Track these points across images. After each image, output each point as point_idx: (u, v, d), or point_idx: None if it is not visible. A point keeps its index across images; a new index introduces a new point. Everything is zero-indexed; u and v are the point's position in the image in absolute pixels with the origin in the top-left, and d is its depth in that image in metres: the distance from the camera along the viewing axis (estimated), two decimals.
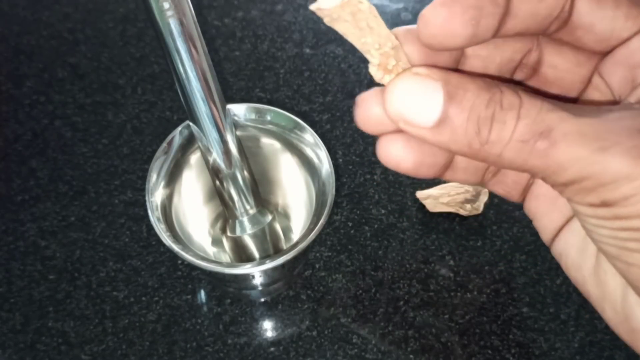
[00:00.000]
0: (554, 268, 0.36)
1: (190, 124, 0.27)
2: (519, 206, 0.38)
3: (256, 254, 0.33)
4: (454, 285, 0.35)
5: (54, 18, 0.48)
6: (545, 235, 0.21)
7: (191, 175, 0.32)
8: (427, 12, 0.16)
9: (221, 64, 0.45)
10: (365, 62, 0.45)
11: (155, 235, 0.31)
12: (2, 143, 0.41)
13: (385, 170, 0.40)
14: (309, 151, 0.31)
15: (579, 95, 0.20)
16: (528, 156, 0.16)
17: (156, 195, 0.30)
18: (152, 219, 0.29)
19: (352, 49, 0.46)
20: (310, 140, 0.31)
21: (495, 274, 0.36)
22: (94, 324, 0.34)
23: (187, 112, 0.26)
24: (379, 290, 0.35)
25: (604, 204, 0.16)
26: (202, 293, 0.35)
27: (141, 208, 0.38)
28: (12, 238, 0.37)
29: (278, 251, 0.33)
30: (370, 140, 0.41)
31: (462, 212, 0.38)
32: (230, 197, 0.30)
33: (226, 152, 0.28)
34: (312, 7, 0.16)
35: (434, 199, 0.38)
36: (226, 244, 0.33)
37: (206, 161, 0.29)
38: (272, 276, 0.34)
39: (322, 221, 0.28)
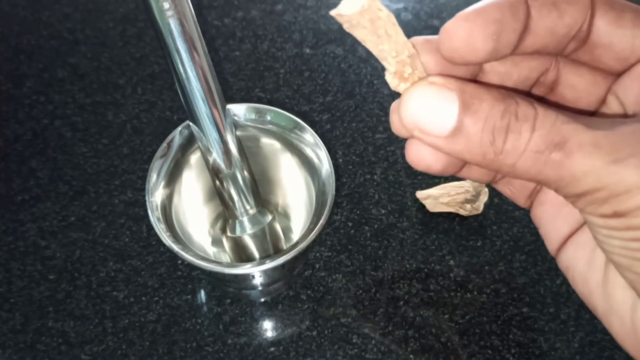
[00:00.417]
0: (554, 268, 0.36)
1: (190, 124, 0.27)
2: (519, 206, 0.38)
3: (256, 254, 0.33)
4: (454, 285, 0.35)
5: (54, 18, 0.48)
6: (551, 244, 0.21)
7: (191, 175, 0.32)
8: (450, 26, 0.16)
9: (221, 64, 0.45)
10: (365, 62, 0.45)
11: (155, 235, 0.31)
12: (2, 143, 0.41)
13: (385, 170, 0.40)
14: (309, 151, 0.31)
15: (593, 113, 0.20)
16: (542, 167, 0.16)
17: (156, 195, 0.30)
18: (152, 219, 0.29)
19: (352, 49, 0.46)
20: (310, 140, 0.31)
21: (495, 274, 0.36)
22: (94, 324, 0.34)
23: (187, 112, 0.26)
24: (379, 290, 0.35)
25: (616, 215, 0.16)
26: (202, 293, 0.35)
27: (141, 208, 0.38)
28: (12, 238, 0.37)
29: (278, 251, 0.33)
30: (370, 140, 0.41)
31: (462, 212, 0.38)
32: (230, 197, 0.30)
33: (226, 152, 0.28)
34: (333, 12, 0.16)
35: (434, 199, 0.38)
36: (226, 244, 0.33)
37: (206, 161, 0.29)
38: (272, 276, 0.34)
39: (322, 221, 0.28)
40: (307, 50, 0.46)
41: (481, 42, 0.16)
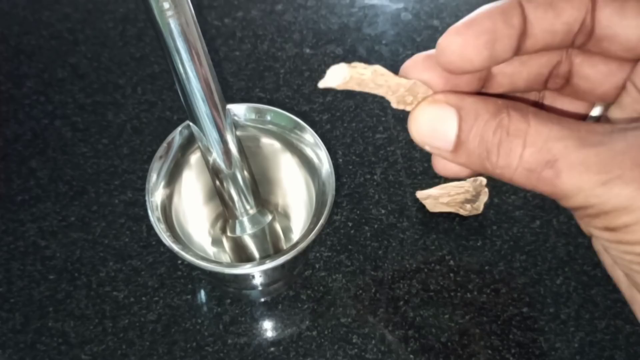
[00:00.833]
0: (554, 268, 0.36)
1: (190, 124, 0.27)
2: (519, 206, 0.39)
3: (256, 254, 0.33)
4: (454, 285, 0.35)
5: (54, 18, 0.48)
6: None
7: (191, 175, 0.32)
8: (442, 41, 0.17)
9: (221, 64, 0.45)
10: (365, 62, 0.45)
11: (155, 235, 0.31)
12: (2, 143, 0.41)
13: (385, 170, 0.40)
14: (309, 151, 0.31)
15: (614, 100, 0.20)
16: (536, 183, 0.17)
17: (156, 195, 0.30)
18: (152, 219, 0.29)
19: (352, 49, 0.46)
20: (310, 140, 0.31)
21: (495, 274, 0.36)
22: (94, 324, 0.34)
23: (187, 112, 0.26)
24: (379, 290, 0.35)
25: (608, 229, 0.17)
26: (202, 293, 0.35)
27: (141, 208, 0.38)
28: (12, 238, 0.37)
29: (278, 251, 0.33)
30: (370, 140, 0.41)
31: (462, 212, 0.38)
32: (230, 197, 0.30)
33: (226, 152, 0.28)
34: (320, 85, 0.17)
35: (434, 199, 0.38)
36: (226, 244, 0.33)
37: (206, 161, 0.29)
38: (272, 276, 0.34)
39: (322, 221, 0.28)
40: (307, 50, 0.46)
41: (474, 53, 0.17)
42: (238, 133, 0.30)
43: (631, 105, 0.19)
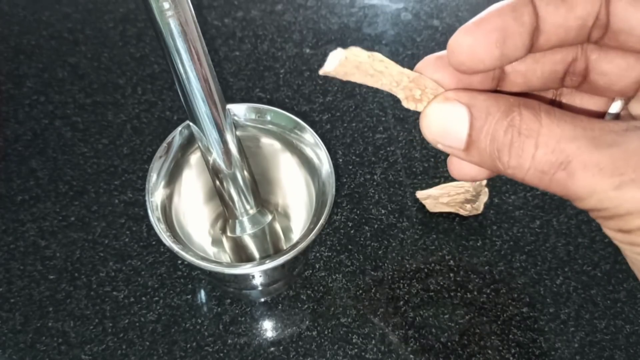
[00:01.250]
0: (554, 268, 0.36)
1: (190, 124, 0.27)
2: (519, 206, 0.39)
3: (256, 254, 0.33)
4: (454, 285, 0.35)
5: (54, 18, 0.48)
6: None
7: (191, 175, 0.32)
8: (453, 41, 0.17)
9: (221, 64, 0.45)
10: None
11: (155, 235, 0.31)
12: (2, 143, 0.41)
13: (385, 170, 0.40)
14: (309, 151, 0.31)
15: (634, 94, 0.20)
16: (549, 184, 0.16)
17: (156, 195, 0.30)
18: (152, 219, 0.29)
19: None
20: (310, 140, 0.31)
21: (495, 274, 0.36)
22: (94, 324, 0.34)
23: (187, 112, 0.26)
24: (379, 290, 0.35)
25: (622, 231, 0.17)
26: (202, 293, 0.35)
27: (141, 208, 0.38)
28: (12, 238, 0.37)
29: (278, 251, 0.33)
30: (370, 140, 0.41)
31: (462, 212, 0.38)
32: (230, 197, 0.30)
33: (226, 152, 0.28)
34: (321, 72, 0.18)
35: (434, 199, 0.38)
36: (226, 244, 0.33)
37: (206, 161, 0.29)
38: (272, 276, 0.34)
39: (322, 221, 0.28)
40: (307, 50, 0.46)
41: (485, 52, 0.17)
42: (238, 133, 0.30)
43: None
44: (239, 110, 0.32)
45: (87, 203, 0.38)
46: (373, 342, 0.33)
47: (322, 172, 0.30)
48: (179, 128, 0.31)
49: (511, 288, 0.35)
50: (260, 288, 0.35)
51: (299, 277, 0.36)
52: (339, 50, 0.17)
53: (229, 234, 0.32)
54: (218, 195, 0.31)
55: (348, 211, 0.38)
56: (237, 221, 0.31)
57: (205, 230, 0.35)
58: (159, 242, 0.36)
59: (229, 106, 0.29)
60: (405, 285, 0.35)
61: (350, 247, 0.37)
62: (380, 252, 0.37)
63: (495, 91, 0.20)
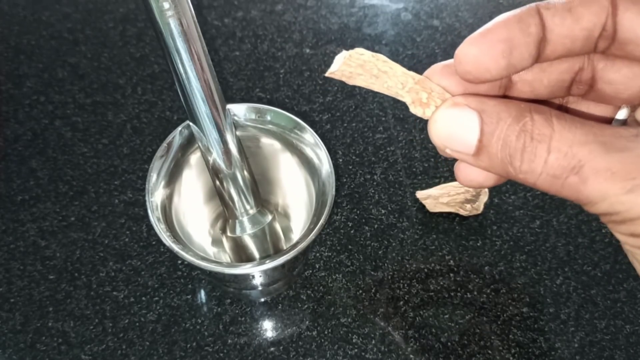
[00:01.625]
0: (554, 268, 0.36)
1: (190, 124, 0.27)
2: (519, 206, 0.39)
3: (256, 254, 0.33)
4: (454, 285, 0.35)
5: (54, 18, 0.48)
6: None
7: (191, 175, 0.32)
8: (459, 51, 0.17)
9: (221, 64, 0.45)
10: None
11: (155, 235, 0.31)
12: (2, 143, 0.41)
13: (385, 170, 0.40)
14: (309, 151, 0.31)
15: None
16: (560, 188, 0.17)
17: (156, 195, 0.30)
18: (152, 219, 0.29)
19: (352, 49, 0.46)
20: (310, 140, 0.31)
21: (495, 274, 0.36)
22: (94, 324, 0.34)
23: (187, 112, 0.26)
24: (379, 290, 0.35)
25: (633, 236, 0.17)
26: (202, 293, 0.35)
27: (141, 208, 0.38)
28: (12, 238, 0.37)
29: (278, 251, 0.33)
30: (370, 140, 0.41)
31: (462, 212, 0.38)
32: (230, 197, 0.30)
33: (226, 152, 0.28)
34: (326, 74, 0.18)
35: (434, 199, 0.38)
36: (226, 244, 0.33)
37: (206, 161, 0.29)
38: (272, 276, 0.34)
39: (322, 221, 0.28)
40: (307, 50, 0.46)
41: (491, 62, 0.17)
42: (238, 133, 0.30)
43: None
44: (239, 110, 0.32)
45: (87, 203, 0.38)
46: (373, 342, 0.33)
47: (322, 172, 0.30)
48: (179, 128, 0.31)
49: (511, 288, 0.35)
50: (260, 288, 0.35)
51: (299, 277, 0.36)
52: (344, 52, 0.18)
53: (229, 234, 0.32)
54: (218, 195, 0.31)
55: (348, 211, 0.38)
56: (237, 221, 0.31)
57: (205, 230, 0.35)
58: (159, 242, 0.36)
59: (229, 106, 0.29)
60: (405, 285, 0.35)
61: (350, 247, 0.37)
62: (380, 252, 0.37)
63: (503, 98, 0.20)
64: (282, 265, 0.28)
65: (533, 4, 0.17)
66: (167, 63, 0.24)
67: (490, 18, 0.17)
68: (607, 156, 0.16)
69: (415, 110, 0.19)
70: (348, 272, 0.36)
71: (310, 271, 0.36)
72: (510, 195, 0.39)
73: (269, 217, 0.32)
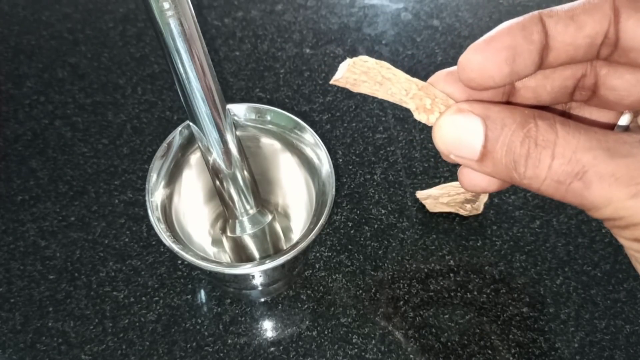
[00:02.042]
0: (554, 268, 0.36)
1: (190, 124, 0.27)
2: (519, 206, 0.39)
3: (256, 254, 0.33)
4: (454, 285, 0.35)
5: (54, 18, 0.48)
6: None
7: (191, 175, 0.32)
8: (463, 59, 0.17)
9: (221, 64, 0.45)
10: None
11: (155, 235, 0.31)
12: (2, 143, 0.41)
13: (385, 170, 0.40)
14: (309, 151, 0.31)
15: None
16: (565, 194, 0.17)
17: (156, 195, 0.30)
18: (152, 219, 0.29)
19: (351, 49, 0.46)
20: (310, 140, 0.31)
21: (495, 274, 0.36)
22: (94, 324, 0.34)
23: (187, 112, 0.26)
24: (379, 290, 0.35)
25: (637, 240, 0.17)
26: (202, 293, 0.35)
27: (141, 208, 0.38)
28: (12, 238, 0.37)
29: (278, 251, 0.33)
30: (370, 140, 0.41)
31: (462, 212, 0.38)
32: (230, 197, 0.30)
33: (226, 152, 0.28)
34: (331, 82, 0.18)
35: (434, 199, 0.38)
36: (226, 244, 0.33)
37: (206, 161, 0.29)
38: (272, 276, 0.34)
39: (322, 221, 0.28)
40: (307, 50, 0.46)
41: (495, 69, 0.17)
42: (238, 133, 0.30)
43: None
44: (239, 110, 0.32)
45: (87, 203, 0.38)
46: (373, 342, 0.33)
47: (322, 172, 0.30)
48: (179, 128, 0.31)
49: (511, 288, 0.35)
50: (260, 288, 0.35)
51: (299, 277, 0.36)
52: (348, 59, 0.18)
53: (229, 234, 0.32)
54: (218, 195, 0.31)
55: (348, 211, 0.38)
56: (237, 221, 0.31)
57: (205, 230, 0.35)
58: (159, 242, 0.36)
59: (229, 106, 0.29)
60: (405, 285, 0.35)
61: (350, 247, 0.37)
62: (380, 252, 0.37)
63: (506, 104, 0.20)
64: (282, 265, 0.28)
65: (536, 12, 0.18)
66: (167, 63, 0.24)
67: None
68: (611, 162, 0.16)
69: (419, 116, 0.19)
70: (348, 272, 0.36)
71: (310, 271, 0.36)
72: (510, 195, 0.39)
73: (269, 217, 0.32)
